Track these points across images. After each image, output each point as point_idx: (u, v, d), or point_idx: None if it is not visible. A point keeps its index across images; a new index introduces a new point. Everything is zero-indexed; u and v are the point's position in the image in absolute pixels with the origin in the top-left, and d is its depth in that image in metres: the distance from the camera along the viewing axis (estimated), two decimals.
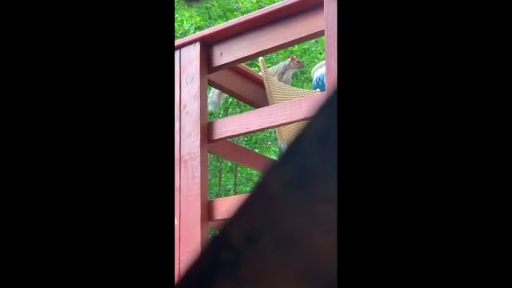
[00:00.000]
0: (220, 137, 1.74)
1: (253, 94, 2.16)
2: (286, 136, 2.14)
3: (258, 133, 5.74)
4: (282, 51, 5.69)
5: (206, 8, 5.90)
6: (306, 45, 6.02)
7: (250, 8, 5.83)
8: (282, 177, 0.27)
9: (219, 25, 1.80)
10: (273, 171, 0.28)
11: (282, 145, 2.22)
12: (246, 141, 6.00)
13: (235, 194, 6.29)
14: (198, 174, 1.69)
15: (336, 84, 0.31)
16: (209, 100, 2.47)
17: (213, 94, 2.46)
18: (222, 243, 0.28)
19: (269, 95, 2.02)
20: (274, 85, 2.09)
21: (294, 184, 0.27)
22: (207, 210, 1.69)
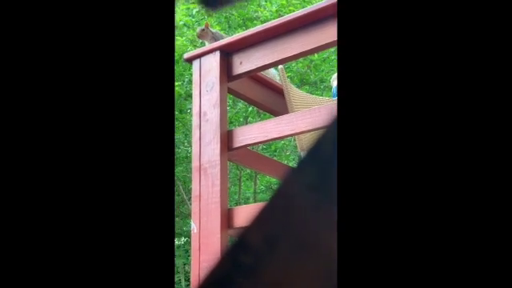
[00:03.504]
0: (240, 145, 1.74)
1: (272, 103, 2.16)
2: (305, 144, 2.14)
3: (278, 141, 5.73)
4: (301, 59, 5.68)
5: (226, 17, 5.92)
6: (325, 53, 6.01)
7: (269, 17, 5.84)
8: (301, 181, 0.28)
9: (239, 33, 1.81)
10: (292, 176, 0.28)
11: (302, 153, 2.21)
12: (264, 149, 6.00)
13: (255, 202, 6.28)
14: (217, 181, 1.70)
15: None
16: None
17: None
18: (242, 247, 0.28)
19: (288, 103, 2.02)
20: (293, 93, 2.09)
21: (313, 188, 0.28)
22: (227, 217, 1.69)
